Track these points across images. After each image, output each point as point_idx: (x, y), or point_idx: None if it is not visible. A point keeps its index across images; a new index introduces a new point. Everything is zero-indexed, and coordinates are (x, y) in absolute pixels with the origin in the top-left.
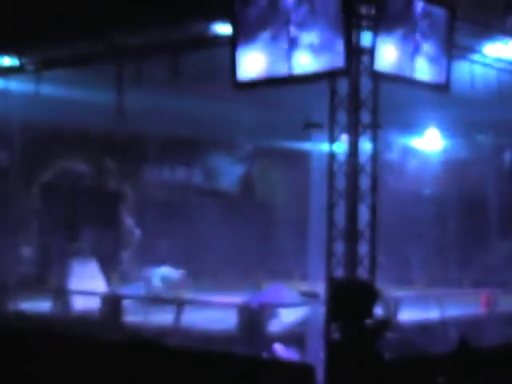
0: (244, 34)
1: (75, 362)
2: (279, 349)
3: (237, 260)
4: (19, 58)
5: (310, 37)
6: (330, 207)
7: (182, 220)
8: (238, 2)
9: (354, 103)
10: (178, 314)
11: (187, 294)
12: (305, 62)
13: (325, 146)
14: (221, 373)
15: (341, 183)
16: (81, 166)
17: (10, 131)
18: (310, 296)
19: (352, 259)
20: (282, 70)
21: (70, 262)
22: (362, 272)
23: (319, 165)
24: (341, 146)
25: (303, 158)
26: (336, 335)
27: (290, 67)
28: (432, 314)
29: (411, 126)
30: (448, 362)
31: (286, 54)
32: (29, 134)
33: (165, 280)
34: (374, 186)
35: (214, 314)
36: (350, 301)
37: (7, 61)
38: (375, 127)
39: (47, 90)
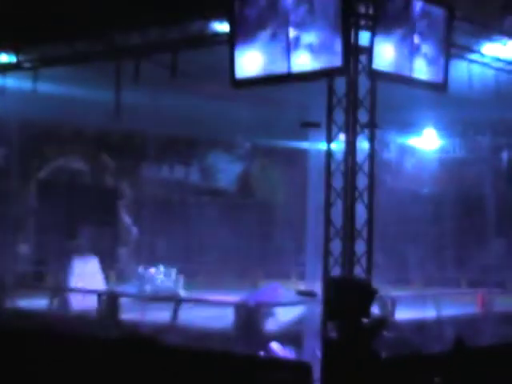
0: (243, 34)
1: (72, 359)
2: (276, 347)
3: (234, 259)
4: (16, 55)
5: (308, 36)
6: (328, 206)
7: (179, 218)
8: (237, 2)
9: (352, 102)
10: (175, 312)
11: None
12: (303, 61)
13: (322, 145)
14: (217, 371)
15: (338, 182)
16: (78, 164)
17: (7, 129)
18: (307, 295)
19: (349, 258)
20: (280, 68)
21: (71, 260)
22: (359, 271)
23: (317, 164)
24: (338, 145)
25: (301, 156)
26: (333, 334)
27: (288, 66)
28: (428, 313)
29: (409, 126)
30: (444, 361)
31: (284, 54)
32: (26, 131)
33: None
34: (371, 186)
35: (211, 312)
36: (346, 300)
37: (4, 58)
38: (372, 126)
39: (44, 87)
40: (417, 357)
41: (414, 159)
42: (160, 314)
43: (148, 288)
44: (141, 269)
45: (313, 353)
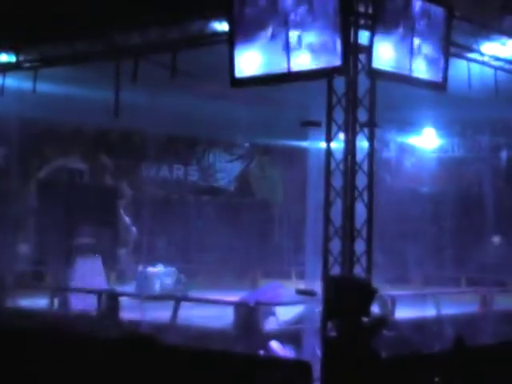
0: (242, 33)
1: (72, 359)
2: (276, 346)
3: (234, 258)
4: (16, 55)
5: (308, 36)
6: (327, 205)
7: (179, 218)
8: (237, 2)
9: (352, 102)
10: (175, 311)
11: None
12: (303, 60)
13: (322, 145)
14: (217, 370)
15: (338, 181)
16: (77, 164)
17: (7, 129)
18: (306, 294)
19: (349, 258)
20: (279, 68)
21: (74, 259)
22: (359, 270)
23: (316, 163)
24: (338, 145)
25: (301, 156)
26: (333, 333)
27: (287, 66)
28: (428, 312)
29: (408, 125)
30: (444, 360)
31: (284, 53)
32: (25, 131)
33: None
34: (371, 185)
35: (211, 311)
36: (346, 299)
37: (4, 57)
38: (372, 126)
39: (44, 87)
40: (417, 356)
41: (414, 158)
42: (160, 314)
43: (148, 287)
44: (141, 268)
45: (313, 352)
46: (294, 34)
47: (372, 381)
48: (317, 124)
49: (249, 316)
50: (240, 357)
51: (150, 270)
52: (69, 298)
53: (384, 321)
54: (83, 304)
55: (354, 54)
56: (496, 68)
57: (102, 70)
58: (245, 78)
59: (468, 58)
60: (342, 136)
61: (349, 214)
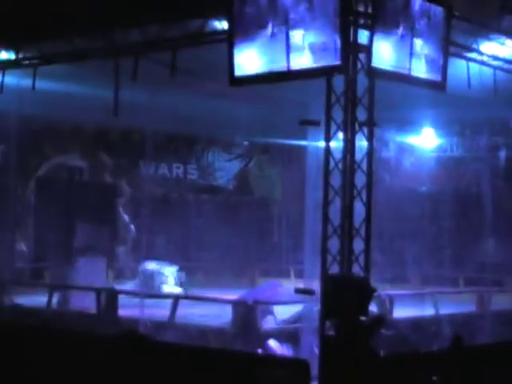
0: (242, 32)
1: (70, 356)
2: (274, 345)
3: (233, 257)
4: (16, 53)
5: (307, 35)
6: (326, 204)
7: (177, 216)
8: (237, 1)
9: (351, 101)
10: (174, 309)
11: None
12: (302, 59)
13: (321, 144)
14: (215, 369)
15: (337, 180)
16: (77, 161)
17: (6, 126)
18: (305, 293)
19: (347, 256)
20: (279, 66)
21: (76, 259)
22: (358, 269)
23: (315, 162)
24: (337, 144)
25: (300, 155)
26: (331, 332)
27: (287, 64)
28: (426, 311)
29: (407, 124)
30: (442, 359)
31: (283, 52)
32: (25, 128)
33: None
34: (370, 184)
35: (210, 309)
36: (345, 298)
37: (4, 55)
38: (371, 125)
39: (43, 84)
40: (415, 355)
41: (413, 158)
42: (158, 311)
43: (153, 285)
44: (144, 266)
45: (310, 350)
46: (293, 33)
47: (370, 379)
48: (316, 123)
49: (247, 315)
50: (238, 355)
51: (155, 267)
52: (69, 297)
53: (382, 320)
54: (83, 302)
55: (354, 53)
56: (495, 68)
57: (102, 67)
58: (244, 76)
59: (467, 58)
60: (341, 135)
61: (347, 213)
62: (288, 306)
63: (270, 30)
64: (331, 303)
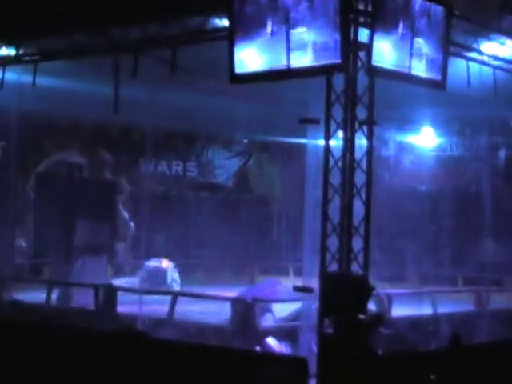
0: (242, 30)
1: (67, 352)
2: (272, 343)
3: (232, 254)
4: (16, 49)
5: (308, 33)
6: (325, 202)
7: (177, 214)
8: None
9: (351, 99)
10: (172, 306)
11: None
12: (302, 57)
13: (321, 142)
14: (213, 366)
15: (336, 179)
16: (76, 158)
17: (6, 122)
18: (304, 291)
19: (346, 255)
20: (279, 65)
21: (79, 258)
22: (356, 268)
23: (315, 160)
24: (337, 142)
25: (299, 153)
26: (329, 330)
27: (287, 63)
28: (425, 310)
29: (407, 123)
30: (440, 358)
31: (283, 50)
32: (25, 125)
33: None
34: (369, 182)
35: (208, 307)
36: (343, 296)
37: (4, 51)
38: (371, 123)
39: (43, 81)
40: (413, 354)
41: (412, 157)
42: (158, 308)
43: (160, 281)
44: (149, 262)
45: (309, 348)
46: (294, 31)
47: (368, 378)
48: (315, 121)
49: (246, 312)
50: (236, 353)
51: (161, 264)
52: (71, 293)
53: (381, 318)
54: (86, 299)
55: (354, 52)
56: (495, 67)
57: (102, 64)
58: (244, 74)
59: (467, 57)
60: (340, 134)
61: (347, 211)
62: (287, 303)
63: (270, 28)
64: (330, 301)
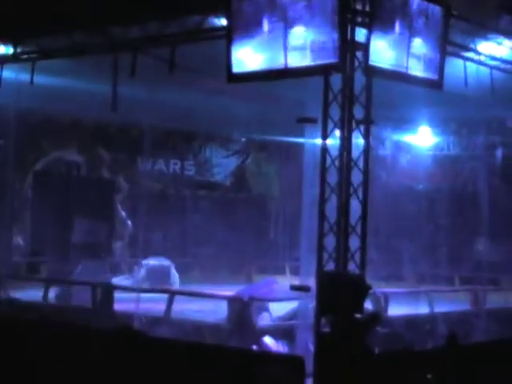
0: (240, 29)
1: (63, 350)
2: (269, 342)
3: (229, 253)
4: (14, 47)
5: (305, 33)
6: (322, 202)
7: (174, 212)
8: None
9: (348, 99)
10: (169, 305)
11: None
12: (300, 57)
13: (318, 141)
14: (210, 365)
15: (333, 178)
16: (74, 156)
17: (4, 121)
18: (301, 290)
19: (343, 254)
20: (277, 64)
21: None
22: (353, 267)
23: (312, 159)
24: (334, 141)
25: (297, 152)
26: (326, 329)
27: (285, 62)
28: (422, 310)
29: (404, 123)
30: (437, 357)
31: (281, 49)
32: (23, 123)
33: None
34: (366, 182)
35: (205, 305)
36: (340, 295)
37: (2, 49)
38: (368, 123)
39: (42, 79)
40: (410, 353)
41: (409, 156)
42: (155, 306)
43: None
44: (142, 261)
45: (306, 347)
46: (291, 31)
47: (365, 377)
48: (313, 121)
49: (242, 311)
50: (233, 351)
51: (162, 262)
52: (71, 292)
53: (377, 317)
54: (85, 298)
55: (351, 51)
56: (492, 67)
57: (100, 63)
58: (242, 73)
59: (464, 57)
60: (337, 133)
61: (344, 210)
62: (283, 302)
63: (268, 27)
64: (326, 300)
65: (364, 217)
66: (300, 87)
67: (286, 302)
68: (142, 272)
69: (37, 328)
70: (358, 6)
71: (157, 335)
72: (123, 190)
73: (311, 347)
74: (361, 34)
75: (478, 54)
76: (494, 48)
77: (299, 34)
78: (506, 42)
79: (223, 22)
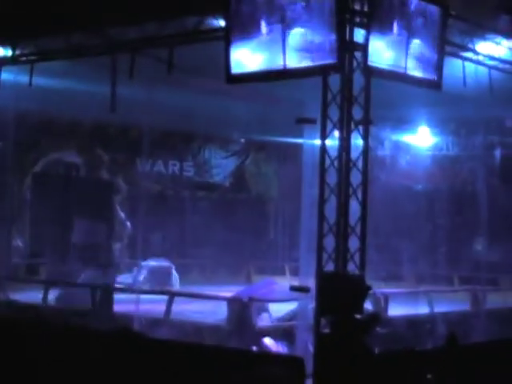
0: (238, 30)
1: (63, 352)
2: (269, 342)
3: (228, 254)
4: (13, 49)
5: (304, 33)
6: (322, 202)
7: (173, 213)
8: None
9: (347, 99)
10: (169, 306)
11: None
12: (298, 57)
13: (317, 142)
14: (209, 365)
15: (332, 178)
16: (73, 158)
17: (3, 122)
18: (300, 290)
19: (343, 254)
20: (275, 65)
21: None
22: (353, 267)
23: (311, 160)
24: (333, 142)
25: (296, 153)
26: (326, 329)
27: (283, 63)
28: (421, 310)
29: (403, 123)
30: (437, 357)
31: (280, 50)
32: (22, 125)
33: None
34: (365, 182)
35: (205, 306)
36: (340, 295)
37: (0, 51)
38: (367, 123)
39: (40, 81)
40: (409, 353)
41: (408, 156)
42: (154, 308)
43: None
44: (141, 262)
45: (306, 348)
46: (290, 31)
47: (365, 377)
48: (312, 121)
49: (242, 312)
50: (233, 352)
51: (163, 264)
52: (72, 294)
53: (377, 318)
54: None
55: (350, 52)
56: (490, 67)
57: (99, 64)
58: (240, 74)
59: (463, 57)
60: (336, 133)
61: (343, 211)
62: (283, 303)
63: (266, 28)
64: (326, 301)
65: (363, 217)
66: (299, 88)
67: (286, 302)
68: (143, 273)
69: (36, 329)
70: (357, 7)
71: (156, 336)
72: (122, 191)
73: (311, 348)
74: (359, 35)
75: (477, 53)
76: (492, 48)
77: (298, 35)
78: (505, 42)
79: (221, 22)
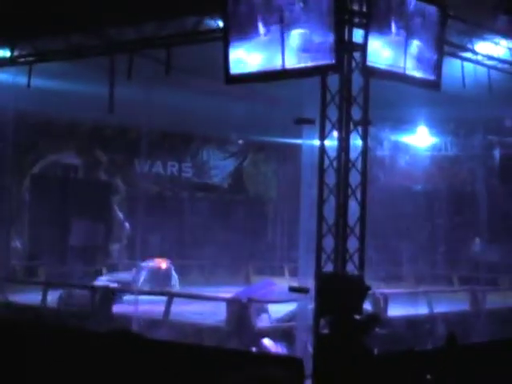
0: (237, 30)
1: (62, 352)
2: (268, 343)
3: (227, 255)
4: (11, 50)
5: (302, 33)
6: (321, 203)
7: (172, 214)
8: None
9: (346, 99)
10: (168, 307)
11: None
12: (297, 58)
13: (316, 142)
14: (209, 366)
15: (331, 179)
16: (72, 159)
17: (2, 124)
18: (299, 291)
19: (342, 255)
20: (274, 65)
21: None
22: (352, 268)
23: (310, 161)
24: (332, 142)
25: (295, 153)
26: (325, 330)
27: (282, 63)
28: (421, 310)
29: (402, 123)
30: (436, 358)
31: (278, 51)
32: (19, 126)
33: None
34: (364, 182)
35: (204, 307)
36: (339, 296)
37: None
38: (365, 124)
39: (39, 82)
40: (409, 353)
41: (407, 156)
42: (153, 308)
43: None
44: (140, 262)
45: (305, 349)
46: (288, 32)
47: (364, 378)
48: (311, 122)
49: (241, 313)
50: (232, 353)
51: (163, 264)
52: (74, 295)
53: (377, 318)
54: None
55: (349, 52)
56: (489, 67)
57: (97, 65)
58: (239, 74)
59: (462, 57)
60: (335, 134)
61: (342, 211)
62: (282, 304)
63: (264, 28)
64: (325, 301)
65: (362, 218)
66: (297, 88)
67: (285, 303)
68: (143, 274)
69: (35, 331)
70: (355, 7)
71: (156, 337)
72: (121, 192)
73: (310, 348)
74: (358, 35)
75: (476, 54)
76: (491, 48)
77: (296, 35)
78: (504, 42)
79: (220, 23)
